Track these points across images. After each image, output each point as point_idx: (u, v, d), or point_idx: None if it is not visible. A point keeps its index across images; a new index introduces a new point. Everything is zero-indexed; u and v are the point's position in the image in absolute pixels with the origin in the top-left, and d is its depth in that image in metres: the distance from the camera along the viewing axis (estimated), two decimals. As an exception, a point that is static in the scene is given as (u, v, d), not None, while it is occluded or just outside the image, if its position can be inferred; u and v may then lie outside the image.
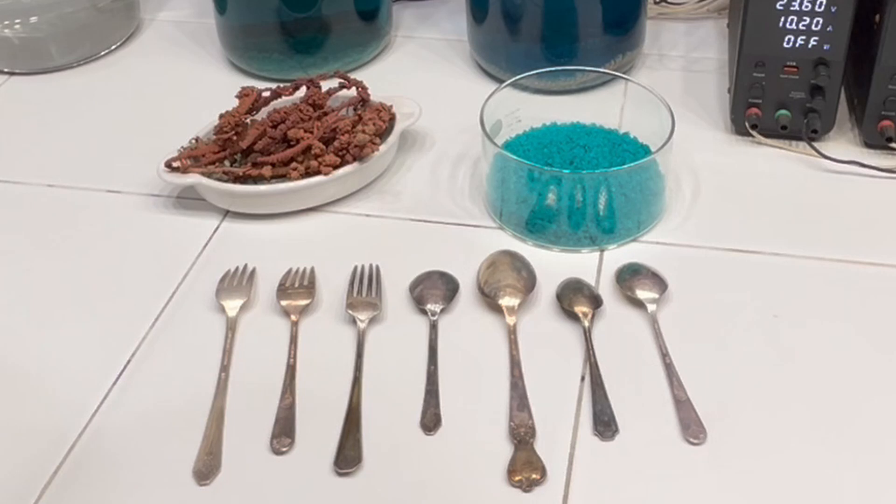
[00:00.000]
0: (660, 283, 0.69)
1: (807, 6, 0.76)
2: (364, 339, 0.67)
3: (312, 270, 0.72)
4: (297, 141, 0.77)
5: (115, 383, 0.65)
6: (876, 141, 0.81)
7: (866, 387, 0.62)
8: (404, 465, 0.59)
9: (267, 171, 0.77)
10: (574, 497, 0.57)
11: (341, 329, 0.68)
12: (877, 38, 0.77)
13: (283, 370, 0.65)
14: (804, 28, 0.77)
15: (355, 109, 0.83)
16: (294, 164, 0.77)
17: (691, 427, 0.60)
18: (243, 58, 0.96)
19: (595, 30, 0.89)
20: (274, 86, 0.83)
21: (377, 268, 0.72)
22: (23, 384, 0.65)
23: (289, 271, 0.72)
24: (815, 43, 0.78)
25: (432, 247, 0.75)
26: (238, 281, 0.72)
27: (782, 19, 0.77)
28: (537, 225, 0.73)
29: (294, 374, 0.64)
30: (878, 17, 0.77)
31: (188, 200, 0.80)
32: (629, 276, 0.70)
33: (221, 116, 0.79)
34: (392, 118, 0.81)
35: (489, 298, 0.69)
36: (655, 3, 1.03)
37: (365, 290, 0.70)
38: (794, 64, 0.79)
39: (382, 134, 0.80)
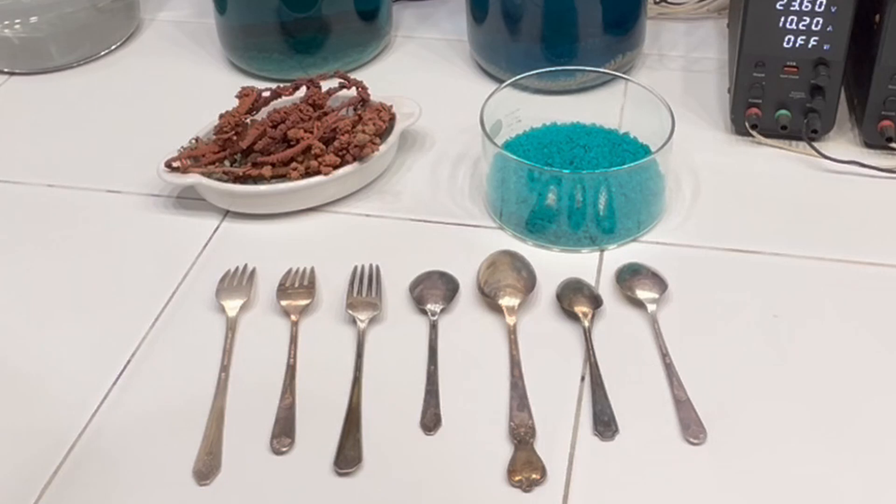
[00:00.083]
0: (660, 283, 0.69)
1: (807, 6, 0.76)
2: (364, 339, 0.67)
3: (312, 270, 0.72)
4: (297, 141, 0.77)
5: (115, 383, 0.65)
6: (876, 141, 0.81)
7: (867, 386, 0.62)
8: (404, 465, 0.59)
9: (267, 171, 0.77)
10: (574, 497, 0.57)
11: (341, 329, 0.68)
12: (877, 38, 0.77)
13: (283, 370, 0.65)
14: (804, 28, 0.77)
15: (355, 109, 0.83)
16: (294, 164, 0.77)
17: (691, 427, 0.60)
18: (243, 58, 0.96)
19: (595, 30, 0.89)
20: (274, 86, 0.83)
21: (377, 268, 0.72)
22: (23, 384, 0.65)
23: (289, 271, 0.72)
24: (815, 43, 0.78)
25: (432, 247, 0.75)
26: (238, 281, 0.72)
27: (782, 19, 0.77)
28: (537, 225, 0.73)
29: (294, 374, 0.64)
30: (878, 17, 0.77)
31: (188, 200, 0.80)
32: (629, 276, 0.70)
33: (221, 116, 0.79)
34: (392, 118, 0.81)
35: (489, 298, 0.69)
36: (655, 3, 1.03)
37: (365, 290, 0.70)
38: (794, 64, 0.79)
39: (382, 134, 0.80)
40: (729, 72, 0.89)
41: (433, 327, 0.67)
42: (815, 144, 0.81)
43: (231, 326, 0.68)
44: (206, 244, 0.76)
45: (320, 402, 0.62)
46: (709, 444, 0.59)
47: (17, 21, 0.98)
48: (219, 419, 0.62)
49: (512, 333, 0.66)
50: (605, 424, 0.60)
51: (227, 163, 0.79)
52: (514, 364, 0.64)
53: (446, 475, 0.58)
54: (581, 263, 0.72)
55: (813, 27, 0.77)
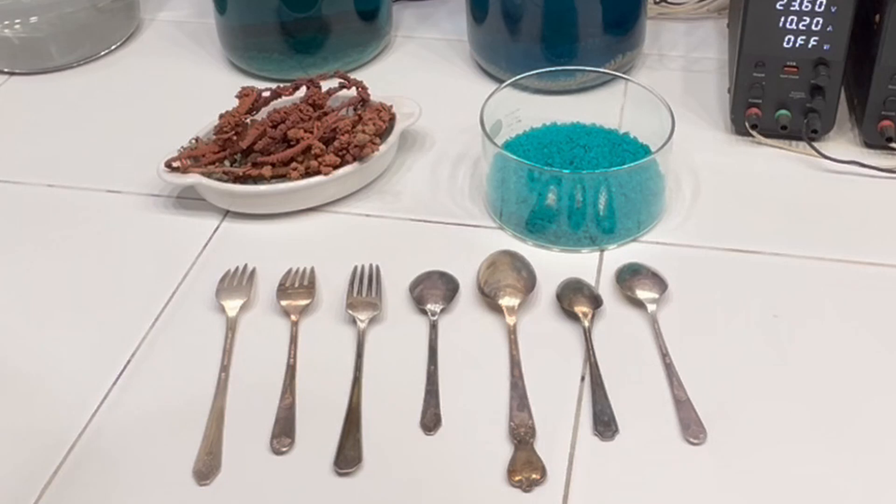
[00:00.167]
0: (660, 283, 0.69)
1: (807, 6, 0.76)
2: (364, 339, 0.67)
3: (312, 270, 0.72)
4: (297, 141, 0.77)
5: (115, 383, 0.65)
6: (876, 141, 0.81)
7: (867, 386, 0.62)
8: (404, 465, 0.59)
9: (267, 171, 0.77)
10: (574, 497, 0.57)
11: (341, 329, 0.68)
12: (877, 38, 0.77)
13: (283, 370, 0.65)
14: (804, 28, 0.77)
15: (355, 109, 0.83)
16: (294, 164, 0.77)
17: (691, 427, 0.60)
18: (243, 58, 0.96)
19: (595, 30, 0.89)
20: (274, 86, 0.83)
21: (377, 268, 0.72)
22: (23, 384, 0.65)
23: (289, 271, 0.72)
24: (815, 43, 0.78)
25: (432, 247, 0.75)
26: (238, 281, 0.72)
27: (782, 19, 0.77)
28: (537, 225, 0.73)
29: (294, 374, 0.64)
30: (878, 17, 0.77)
31: (188, 200, 0.80)
32: (629, 276, 0.70)
33: (221, 116, 0.79)
34: (392, 118, 0.81)
35: (489, 298, 0.69)
36: (655, 3, 1.03)
37: (365, 290, 0.70)
38: (794, 64, 0.79)
39: (382, 134, 0.80)
40: (729, 72, 0.89)
41: (433, 327, 0.67)
42: (815, 144, 0.81)
43: (231, 326, 0.68)
44: (206, 244, 0.76)
45: (320, 402, 0.62)
46: (709, 444, 0.59)
47: (17, 21, 0.98)
48: (219, 419, 0.62)
49: (512, 333, 0.66)
50: (605, 424, 0.60)
51: (227, 163, 0.79)
52: (514, 364, 0.64)
53: (446, 475, 0.58)
54: (581, 263, 0.72)
55: (813, 27, 0.77)
